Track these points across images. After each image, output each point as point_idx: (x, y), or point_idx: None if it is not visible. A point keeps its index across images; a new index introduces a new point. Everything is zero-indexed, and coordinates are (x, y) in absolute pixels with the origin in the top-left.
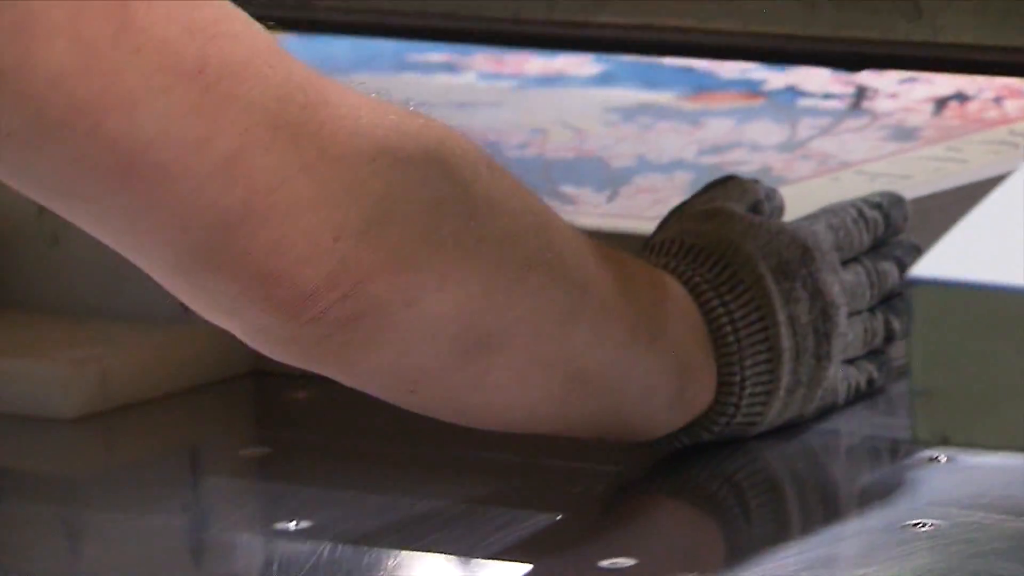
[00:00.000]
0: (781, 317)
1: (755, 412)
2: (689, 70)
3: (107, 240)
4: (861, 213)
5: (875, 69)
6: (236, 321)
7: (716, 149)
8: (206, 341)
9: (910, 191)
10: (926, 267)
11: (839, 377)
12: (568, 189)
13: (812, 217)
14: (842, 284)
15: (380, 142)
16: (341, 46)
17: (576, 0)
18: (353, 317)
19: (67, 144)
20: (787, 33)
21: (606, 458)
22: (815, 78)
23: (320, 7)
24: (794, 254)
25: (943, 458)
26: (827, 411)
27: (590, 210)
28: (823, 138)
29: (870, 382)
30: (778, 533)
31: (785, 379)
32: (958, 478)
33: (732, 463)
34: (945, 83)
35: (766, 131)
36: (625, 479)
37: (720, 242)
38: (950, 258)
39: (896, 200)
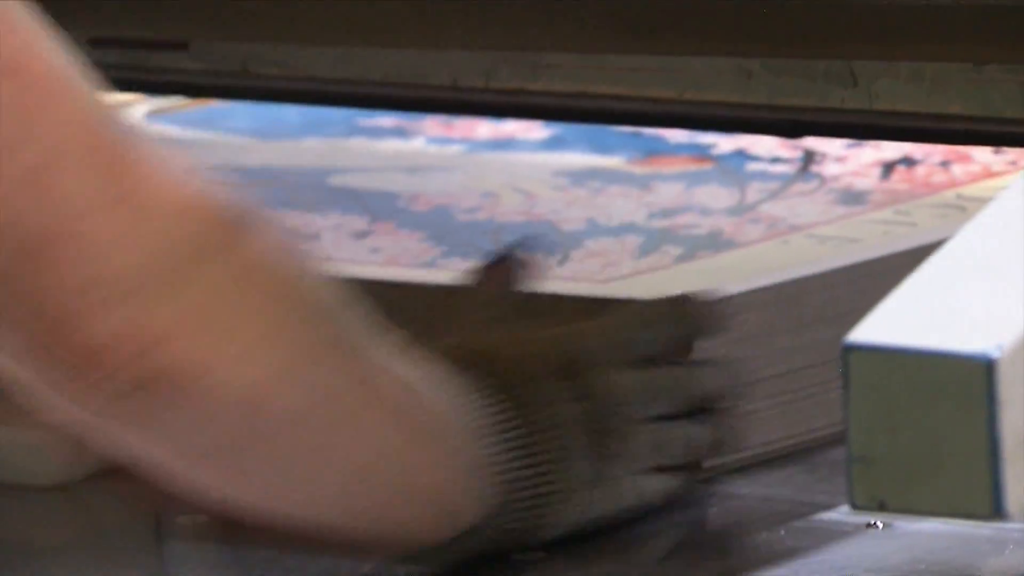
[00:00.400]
0: (545, 420)
1: (529, 515)
2: (638, 134)
3: None
4: (653, 316)
5: (812, 136)
6: (26, 371)
7: (666, 213)
8: None
9: (859, 254)
10: (863, 332)
11: (628, 484)
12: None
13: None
14: (627, 385)
15: (189, 200)
16: (290, 111)
17: (513, 67)
18: (144, 380)
19: None
20: (723, 100)
21: None
22: (764, 142)
23: (260, 75)
24: (569, 356)
25: (880, 524)
26: (632, 517)
27: (541, 273)
28: (772, 202)
29: (671, 494)
30: None
31: (558, 480)
32: (895, 544)
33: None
34: (893, 147)
35: (715, 195)
36: (566, 541)
37: (494, 348)
38: (887, 323)
39: (697, 306)
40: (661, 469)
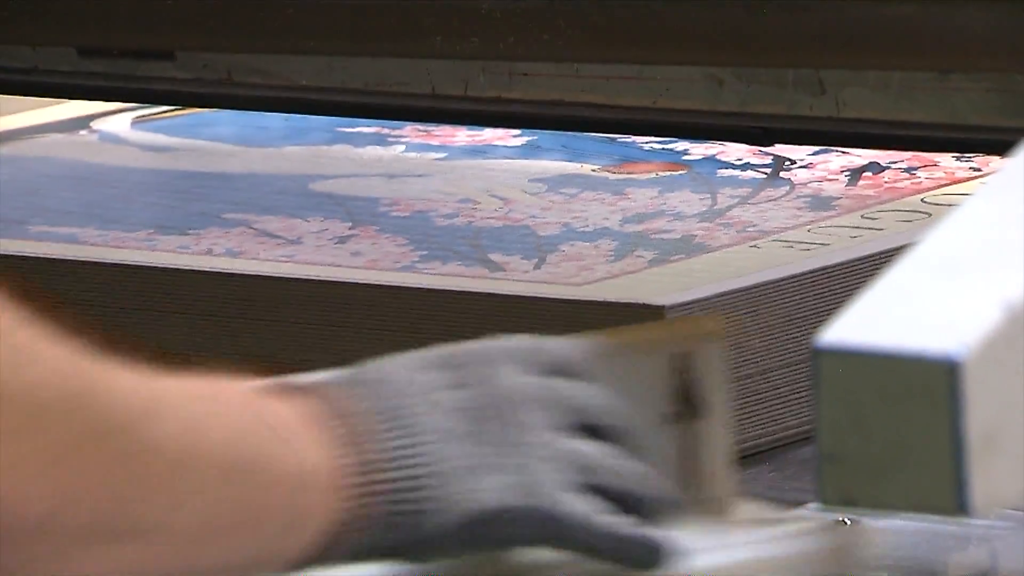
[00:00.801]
0: (420, 405)
1: (410, 499)
2: (612, 140)
3: None
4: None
5: (781, 143)
6: None
7: (639, 218)
8: None
9: (827, 258)
10: (832, 334)
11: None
12: (497, 256)
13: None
14: (517, 385)
15: None
16: (274, 119)
17: (490, 76)
18: None
19: None
20: (695, 108)
21: None
22: (735, 148)
23: (244, 84)
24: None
25: (848, 521)
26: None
27: (518, 276)
28: (743, 207)
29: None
30: None
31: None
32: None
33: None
34: (860, 153)
35: (688, 200)
36: None
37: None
38: (855, 325)
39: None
40: (596, 491)
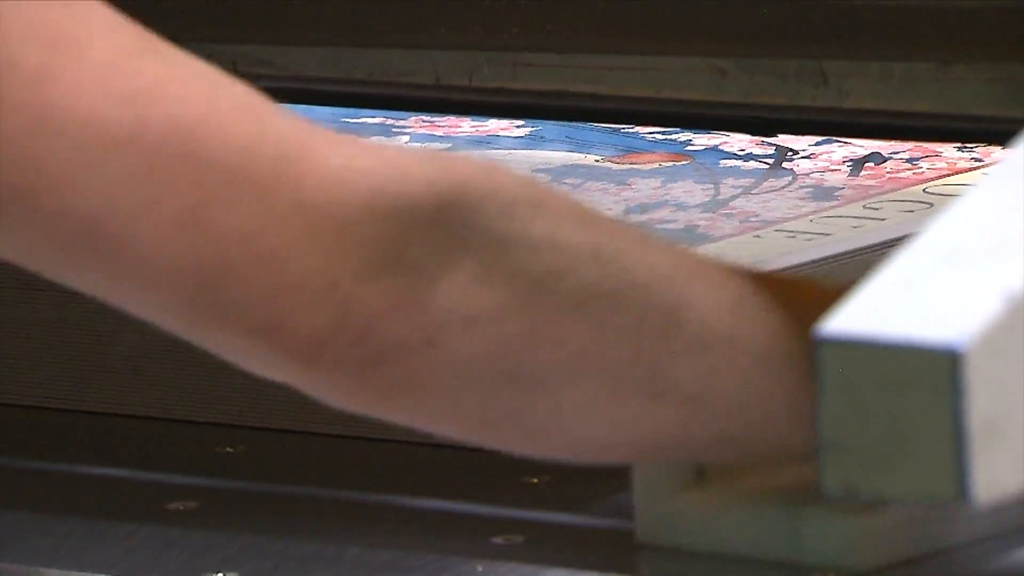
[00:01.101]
0: None
1: None
2: (615, 131)
3: (113, 301)
4: None
5: (783, 134)
6: (271, 373)
7: (642, 208)
8: None
9: (829, 248)
10: (834, 324)
11: None
12: None
13: None
14: None
15: (376, 187)
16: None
17: (494, 67)
18: (372, 362)
19: (17, 233)
20: (698, 99)
21: (535, 506)
22: (738, 139)
23: (248, 75)
24: None
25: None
26: None
27: None
28: (746, 197)
29: None
30: None
31: None
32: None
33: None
34: (862, 143)
35: (691, 190)
36: (549, 526)
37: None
38: (857, 315)
39: None
40: None
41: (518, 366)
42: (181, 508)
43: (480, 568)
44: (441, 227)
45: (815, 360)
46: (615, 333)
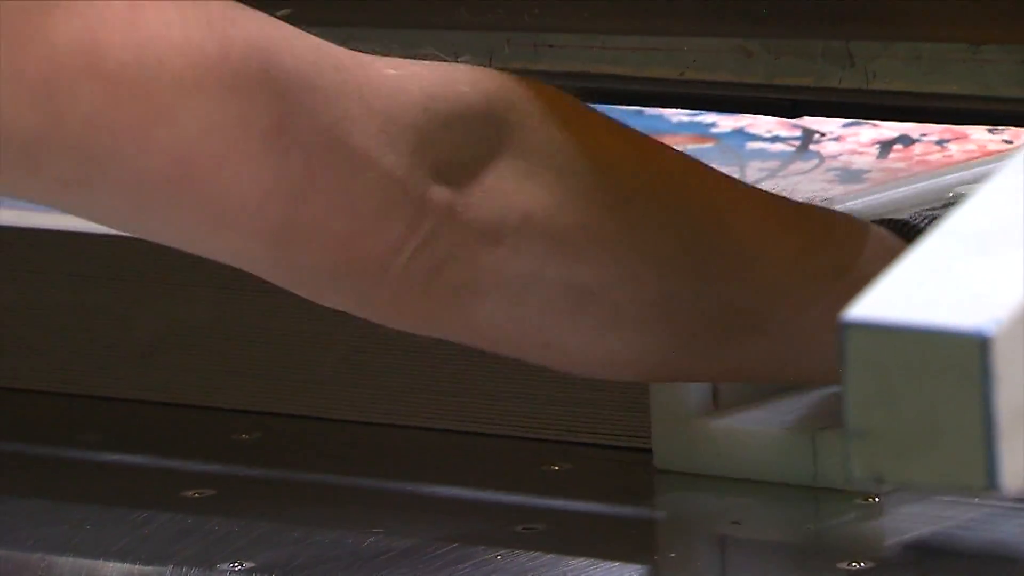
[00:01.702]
0: None
1: None
2: (639, 113)
3: (192, 247)
4: None
5: (810, 115)
6: (344, 295)
7: None
8: None
9: None
10: (861, 309)
11: None
12: None
13: None
14: None
15: (431, 91)
16: None
17: (515, 48)
18: (440, 265)
19: (117, 174)
20: (723, 80)
21: (556, 494)
22: (763, 121)
23: None
24: None
25: (877, 498)
26: None
27: None
28: (772, 180)
29: None
30: (713, 573)
31: None
32: (892, 518)
33: (665, 507)
34: (890, 126)
35: None
36: (570, 514)
37: None
38: (885, 300)
39: None
40: None
41: (574, 266)
42: (197, 496)
43: (499, 557)
44: (492, 126)
45: (840, 346)
46: (661, 228)
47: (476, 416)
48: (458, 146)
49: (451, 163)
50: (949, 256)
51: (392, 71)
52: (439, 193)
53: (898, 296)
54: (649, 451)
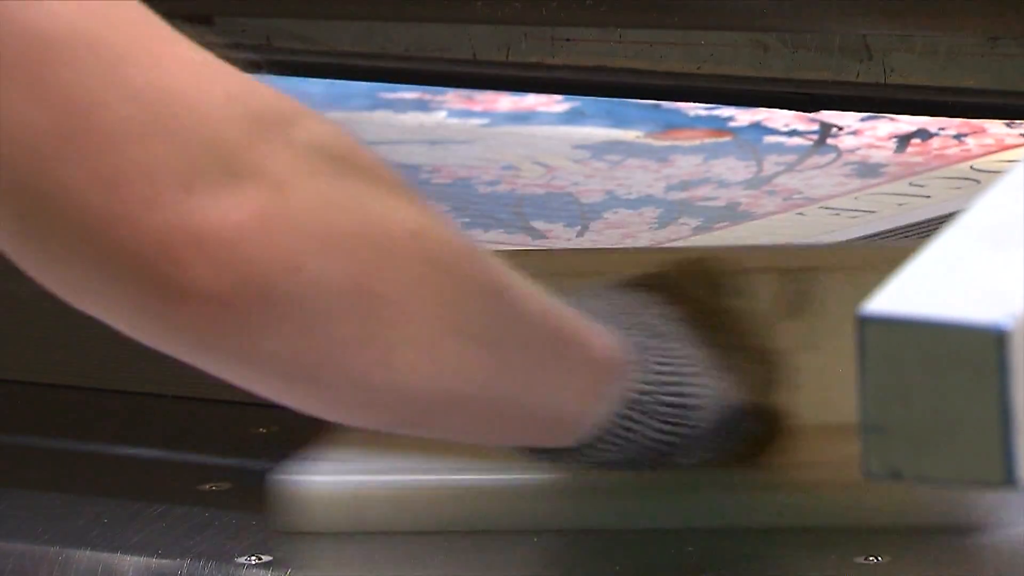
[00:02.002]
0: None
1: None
2: (657, 107)
3: None
4: None
5: (827, 109)
6: (104, 305)
7: (684, 185)
8: None
9: (874, 226)
10: (878, 303)
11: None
12: (539, 224)
13: None
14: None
15: (232, 91)
16: (314, 84)
17: (532, 41)
18: (234, 285)
19: None
20: (741, 75)
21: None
22: (781, 115)
23: (283, 49)
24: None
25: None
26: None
27: (561, 244)
28: (789, 174)
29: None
30: (727, 567)
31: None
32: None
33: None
34: (908, 120)
35: (733, 167)
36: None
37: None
38: (902, 294)
39: None
40: None
41: (367, 297)
42: (214, 489)
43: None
44: (295, 142)
45: (858, 340)
46: (448, 271)
47: None
48: (256, 154)
49: (247, 170)
50: (966, 251)
51: (199, 57)
52: (231, 202)
53: (915, 290)
54: None
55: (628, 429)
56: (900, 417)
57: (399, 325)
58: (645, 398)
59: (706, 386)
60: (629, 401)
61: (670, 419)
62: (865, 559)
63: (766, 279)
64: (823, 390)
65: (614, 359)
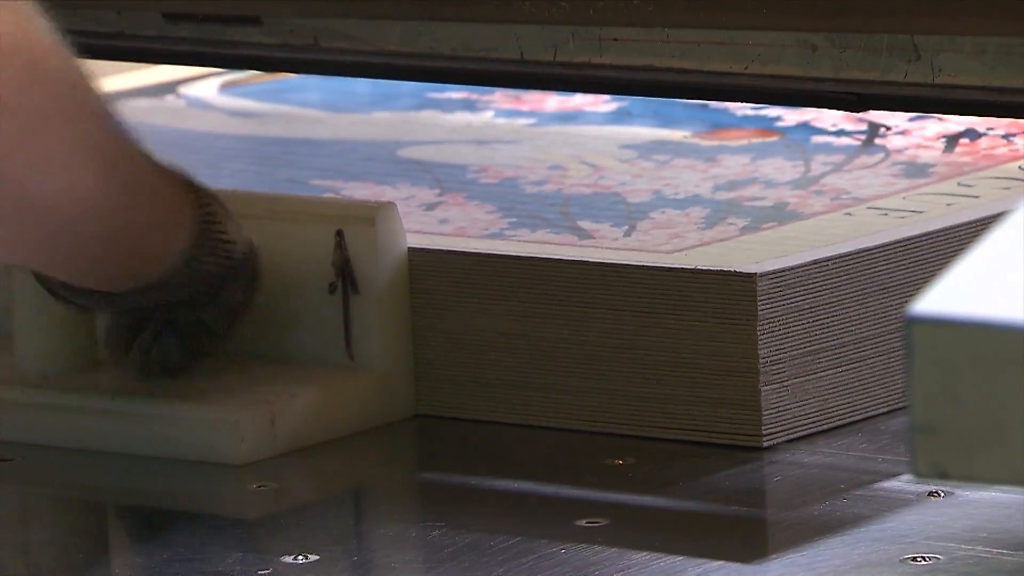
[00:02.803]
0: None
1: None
2: (704, 107)
3: None
4: None
5: (875, 110)
6: None
7: (731, 185)
8: (371, 386)
9: (922, 226)
10: (926, 304)
11: None
12: (586, 224)
13: None
14: None
15: None
16: (361, 84)
17: (579, 41)
18: None
19: None
20: (788, 74)
21: (613, 487)
22: (829, 114)
23: (331, 49)
24: None
25: (942, 493)
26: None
27: (608, 244)
28: (837, 174)
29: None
30: (777, 568)
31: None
32: (957, 512)
33: (732, 500)
34: (956, 119)
35: (780, 167)
36: (624, 510)
37: None
38: (950, 295)
39: None
40: None
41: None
42: (262, 488)
43: (563, 551)
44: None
45: (906, 340)
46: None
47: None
48: None
49: None
50: (1014, 250)
51: None
52: None
53: (963, 291)
54: (716, 445)
55: (196, 259)
56: (948, 417)
57: (41, 135)
58: (207, 229)
59: (237, 228)
60: (197, 234)
61: (222, 253)
62: (913, 559)
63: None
64: None
65: (188, 193)
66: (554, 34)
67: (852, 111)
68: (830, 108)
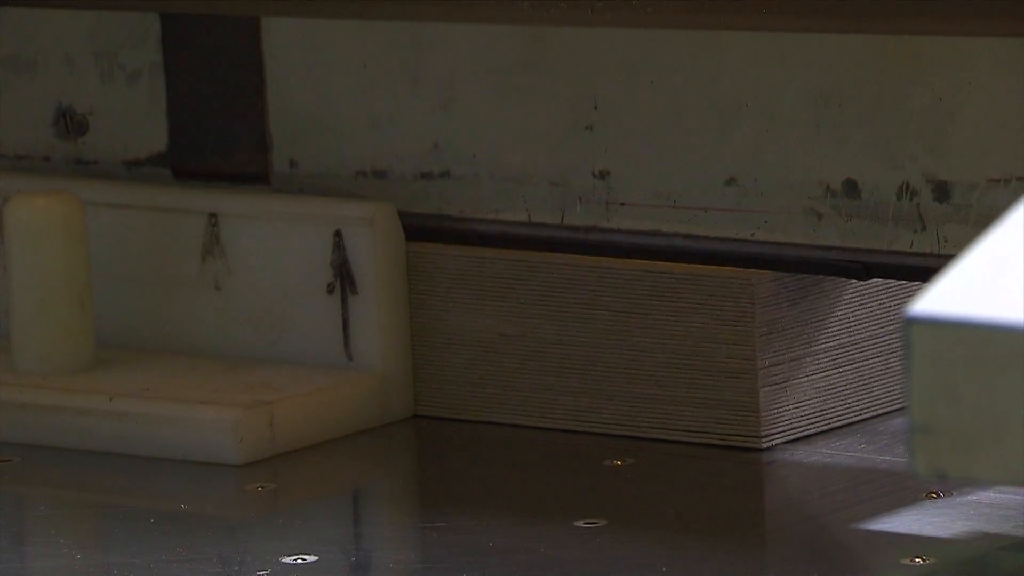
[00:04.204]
0: None
1: None
2: None
3: None
4: None
5: (882, 278)
6: None
7: None
8: (370, 386)
9: None
10: (924, 305)
11: None
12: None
13: None
14: None
15: None
16: None
17: (586, 205)
18: None
19: None
20: (793, 242)
21: (612, 488)
22: None
23: None
24: None
25: (941, 493)
26: None
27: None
28: None
29: None
30: (776, 568)
31: None
32: (956, 512)
33: (731, 500)
34: None
35: None
36: (623, 511)
37: None
38: (948, 296)
39: None
40: None
41: None
42: (260, 490)
43: (562, 551)
44: None
45: (904, 341)
46: None
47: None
48: None
49: None
50: (1011, 251)
51: None
52: None
53: (961, 292)
54: (715, 446)
55: None
56: (947, 418)
57: None
58: None
59: None
60: None
61: None
62: (911, 560)
63: None
64: None
65: None
66: (562, 197)
67: (858, 279)
68: (836, 276)
